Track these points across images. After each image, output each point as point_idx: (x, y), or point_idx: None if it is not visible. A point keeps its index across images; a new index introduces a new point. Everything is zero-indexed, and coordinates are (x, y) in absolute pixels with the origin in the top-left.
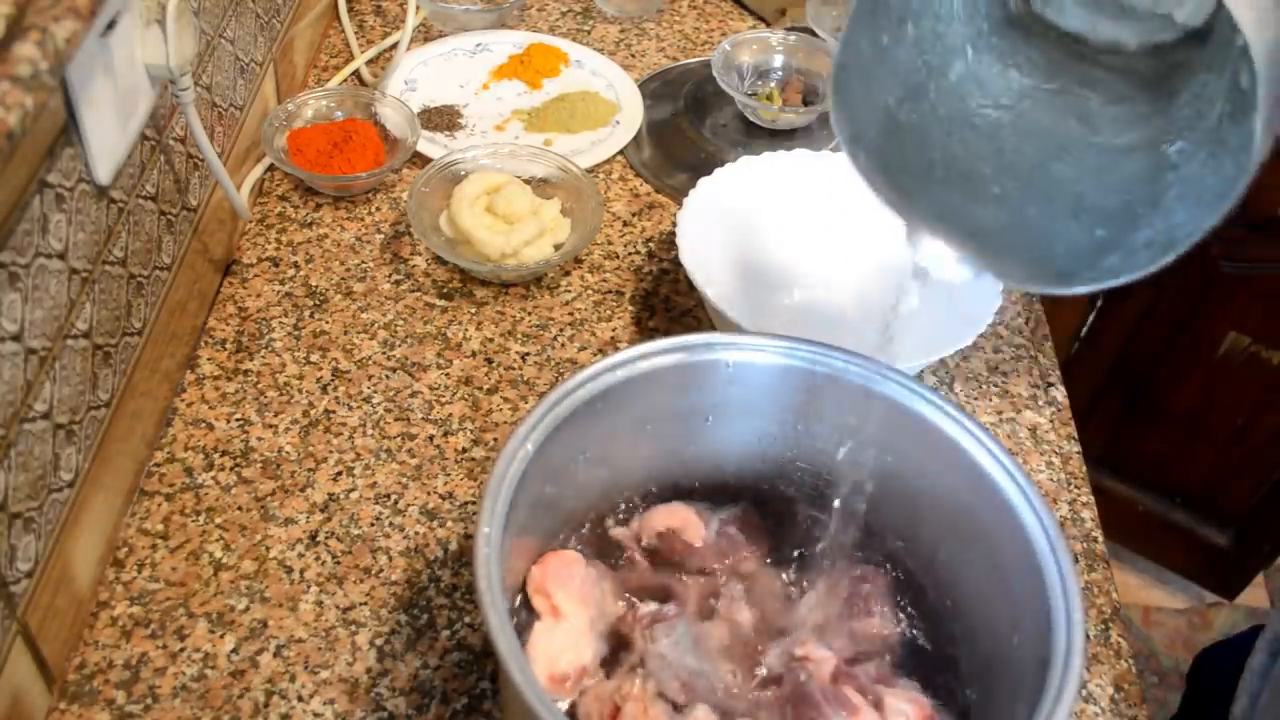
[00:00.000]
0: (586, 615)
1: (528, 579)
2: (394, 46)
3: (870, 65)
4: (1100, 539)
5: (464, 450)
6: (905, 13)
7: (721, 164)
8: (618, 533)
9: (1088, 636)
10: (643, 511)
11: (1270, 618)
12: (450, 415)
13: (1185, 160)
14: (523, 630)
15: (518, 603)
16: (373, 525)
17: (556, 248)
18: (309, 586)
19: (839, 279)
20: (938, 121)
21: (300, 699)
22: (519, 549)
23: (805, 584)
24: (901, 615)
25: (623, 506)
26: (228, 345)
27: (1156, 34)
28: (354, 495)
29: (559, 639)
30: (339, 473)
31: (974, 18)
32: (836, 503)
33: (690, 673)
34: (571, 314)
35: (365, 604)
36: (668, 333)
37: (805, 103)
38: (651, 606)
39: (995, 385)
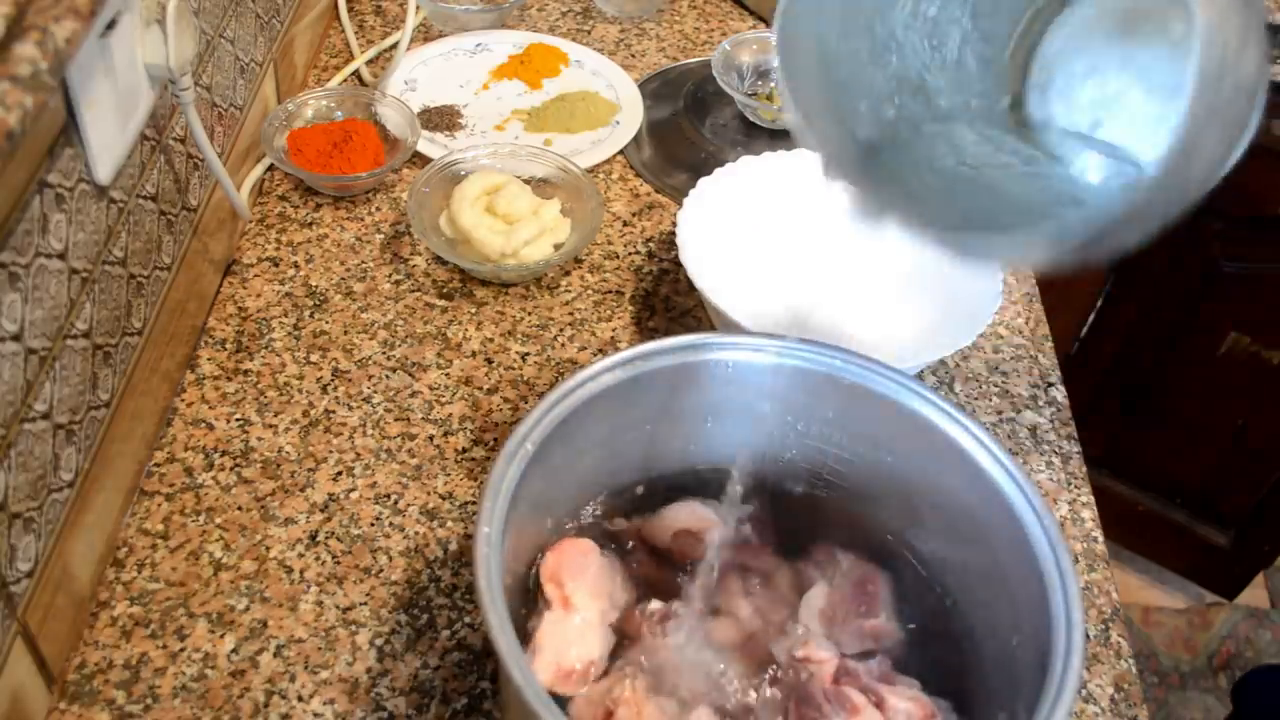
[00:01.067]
0: (598, 608)
1: (540, 565)
2: (394, 46)
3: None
4: (1100, 539)
5: (464, 450)
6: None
7: (721, 164)
8: (621, 525)
9: (1088, 636)
10: (651, 510)
11: None
12: (450, 415)
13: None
14: (530, 617)
15: (520, 584)
16: (373, 525)
17: (556, 248)
18: (309, 586)
19: (839, 279)
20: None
21: (300, 699)
22: (527, 532)
23: (807, 583)
24: (902, 615)
25: (625, 507)
26: (228, 345)
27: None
28: (354, 495)
29: (569, 632)
30: (339, 473)
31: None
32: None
33: (698, 671)
34: (571, 314)
35: (365, 604)
36: (668, 333)
37: None
38: (657, 604)
39: (995, 385)
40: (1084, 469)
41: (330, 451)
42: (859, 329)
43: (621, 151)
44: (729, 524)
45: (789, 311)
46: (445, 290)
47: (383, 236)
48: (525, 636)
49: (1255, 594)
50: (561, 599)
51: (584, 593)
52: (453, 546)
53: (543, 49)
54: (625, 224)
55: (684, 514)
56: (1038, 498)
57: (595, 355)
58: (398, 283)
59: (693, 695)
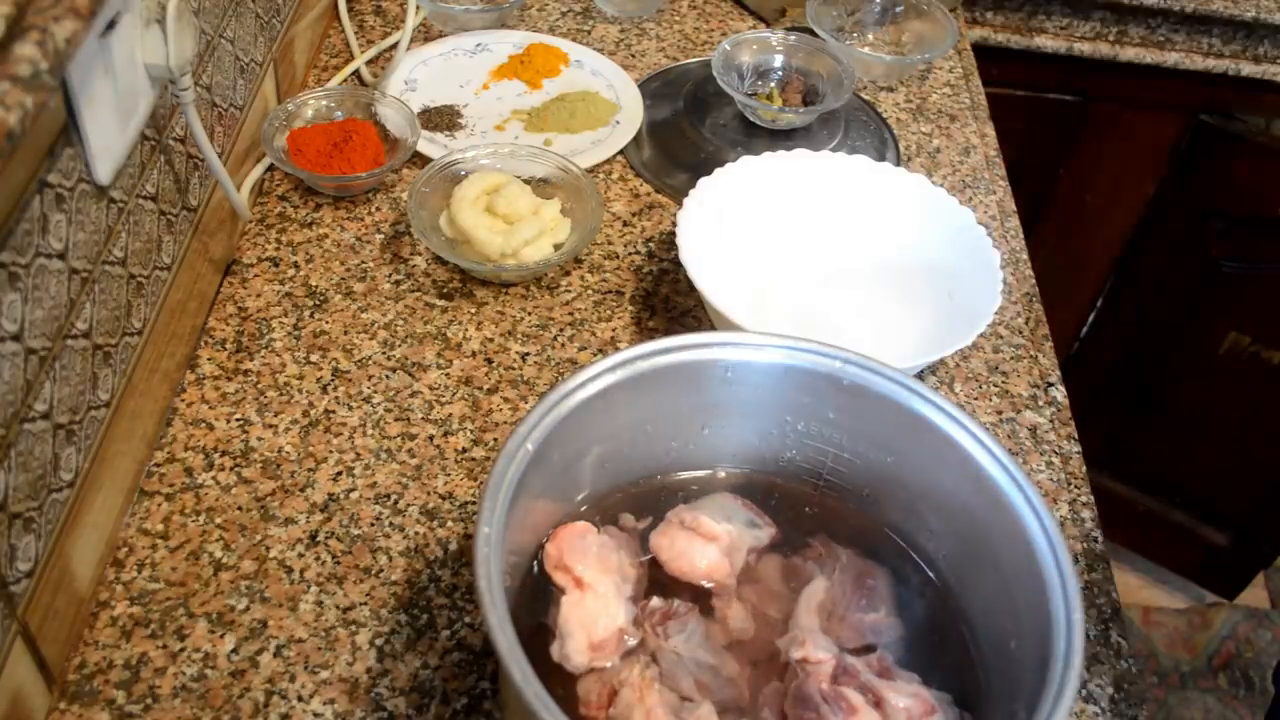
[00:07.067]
0: (611, 581)
1: (544, 557)
2: (394, 46)
3: None
4: (1100, 539)
5: (464, 450)
6: None
7: (721, 164)
8: (629, 523)
9: (1088, 636)
10: (654, 511)
11: None
12: (450, 415)
13: None
14: (548, 606)
15: (522, 582)
16: (373, 525)
17: (556, 248)
18: (309, 586)
19: (839, 279)
20: None
21: (300, 699)
22: (527, 532)
23: (805, 578)
24: (902, 612)
25: (625, 507)
26: (228, 345)
27: None
28: (354, 495)
29: (590, 607)
30: (339, 473)
31: None
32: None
33: (702, 670)
34: (571, 314)
35: (365, 604)
36: (668, 333)
37: (805, 103)
38: (658, 602)
39: (995, 385)
40: (1084, 469)
41: (330, 451)
42: (859, 329)
43: (621, 151)
44: (740, 566)
45: (789, 311)
46: (445, 290)
47: (383, 236)
48: (546, 629)
49: (1255, 594)
50: (574, 581)
51: (593, 570)
52: (453, 546)
53: (543, 49)
54: (625, 224)
55: (699, 562)
56: (1038, 498)
57: (595, 355)
58: (398, 283)
59: (695, 691)
